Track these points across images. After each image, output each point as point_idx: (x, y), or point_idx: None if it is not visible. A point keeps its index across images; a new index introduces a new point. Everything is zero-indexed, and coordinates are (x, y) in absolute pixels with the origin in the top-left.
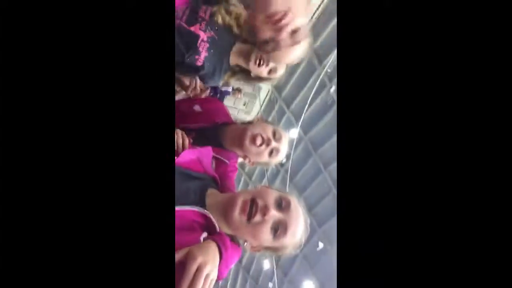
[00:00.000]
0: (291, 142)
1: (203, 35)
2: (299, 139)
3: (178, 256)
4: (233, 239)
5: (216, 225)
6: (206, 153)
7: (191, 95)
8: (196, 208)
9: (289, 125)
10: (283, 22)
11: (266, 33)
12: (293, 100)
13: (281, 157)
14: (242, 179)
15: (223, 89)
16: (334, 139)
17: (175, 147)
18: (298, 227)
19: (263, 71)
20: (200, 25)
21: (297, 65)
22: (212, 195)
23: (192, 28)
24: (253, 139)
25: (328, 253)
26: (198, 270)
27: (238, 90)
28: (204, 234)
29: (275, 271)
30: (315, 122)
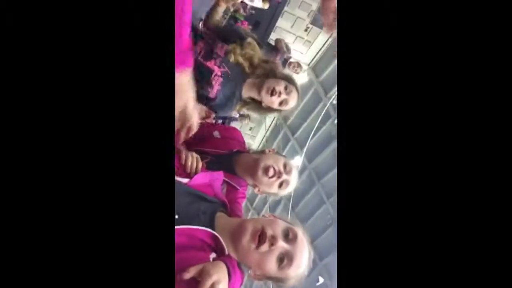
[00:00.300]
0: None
1: (217, 70)
2: (303, 168)
3: (192, 272)
4: (238, 264)
5: (225, 247)
6: (217, 178)
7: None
8: (207, 229)
9: (293, 153)
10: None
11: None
12: (298, 128)
13: (290, 189)
14: (243, 203)
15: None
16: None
17: (189, 169)
18: (303, 260)
19: (275, 101)
20: (215, 61)
21: (304, 95)
22: (221, 218)
23: (208, 63)
24: (266, 171)
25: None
26: (211, 287)
27: (246, 116)
28: (213, 255)
29: None
30: (319, 152)
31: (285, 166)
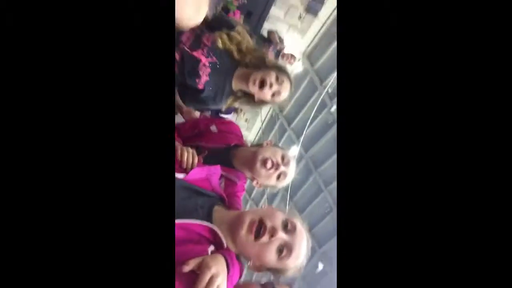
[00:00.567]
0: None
1: (204, 60)
2: (300, 157)
3: (191, 264)
4: (237, 257)
5: (224, 241)
6: (214, 172)
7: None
8: (204, 223)
9: (290, 143)
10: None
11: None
12: (294, 118)
13: (288, 181)
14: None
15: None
16: (334, 157)
17: (185, 165)
18: (302, 250)
19: (267, 94)
20: (202, 50)
21: (299, 84)
22: (219, 212)
23: (194, 53)
24: (264, 163)
25: (328, 274)
26: (211, 280)
27: (240, 110)
28: (212, 248)
29: None
30: (316, 141)
31: (283, 158)
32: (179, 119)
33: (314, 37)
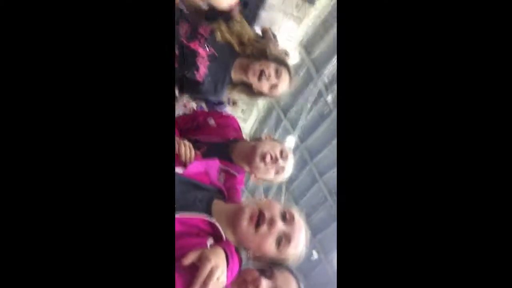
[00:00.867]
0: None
1: (202, 52)
2: (295, 148)
3: (191, 257)
4: (236, 249)
5: (223, 233)
6: (213, 166)
7: (183, 160)
8: (203, 216)
9: (286, 133)
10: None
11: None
12: (290, 108)
13: (286, 175)
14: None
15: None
16: (330, 148)
17: (183, 158)
18: (301, 240)
19: (264, 86)
20: (200, 41)
21: (295, 74)
22: (218, 205)
23: (191, 44)
24: (263, 157)
25: (322, 262)
26: (211, 272)
27: (235, 103)
28: (211, 241)
29: None
30: (312, 131)
31: (281, 152)
32: (177, 111)
33: (311, 25)
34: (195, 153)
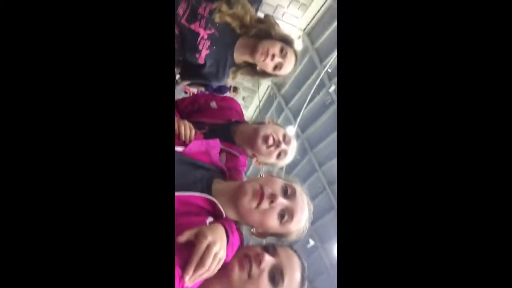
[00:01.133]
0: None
1: (203, 33)
2: (296, 137)
3: (188, 235)
4: (237, 226)
5: (223, 211)
6: (214, 145)
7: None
8: (203, 195)
9: (287, 122)
10: None
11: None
12: (292, 98)
13: (288, 160)
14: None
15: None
16: (330, 138)
17: (183, 137)
18: (303, 214)
19: (269, 65)
20: (200, 22)
21: (298, 62)
22: (219, 184)
23: (192, 26)
24: (265, 139)
25: (318, 250)
26: (208, 248)
27: (236, 89)
28: (210, 219)
29: None
30: (313, 121)
31: (284, 136)
32: (178, 95)
33: (316, 13)
34: (196, 132)
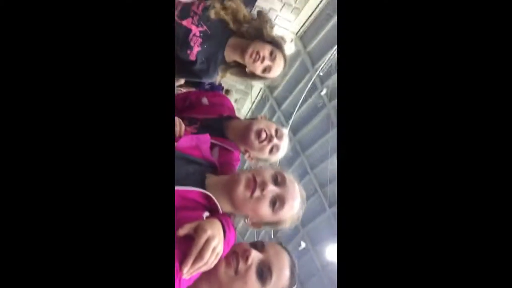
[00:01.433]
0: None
1: (195, 29)
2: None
3: (186, 229)
4: (232, 223)
5: (219, 205)
6: (204, 140)
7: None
8: (198, 189)
9: (279, 125)
10: None
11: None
12: (284, 100)
13: (280, 155)
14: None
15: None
16: (322, 141)
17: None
18: (295, 201)
19: (258, 67)
20: (192, 19)
21: (290, 65)
22: (211, 178)
23: (184, 22)
24: (258, 134)
25: (309, 252)
26: (207, 242)
27: (227, 92)
28: (206, 213)
29: None
30: (305, 124)
31: (276, 131)
32: None
33: (308, 17)
34: (185, 128)
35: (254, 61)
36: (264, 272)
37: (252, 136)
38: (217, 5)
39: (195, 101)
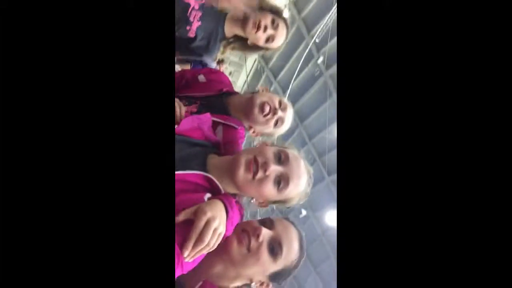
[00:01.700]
0: None
1: (193, 3)
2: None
3: (187, 213)
4: (237, 201)
5: (220, 187)
6: (205, 120)
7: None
8: (199, 172)
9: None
10: None
11: None
12: (280, 71)
13: (285, 128)
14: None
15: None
16: (320, 111)
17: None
18: (301, 179)
19: (261, 38)
20: None
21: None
22: (214, 159)
23: None
24: (261, 107)
25: (310, 219)
26: (207, 224)
27: (221, 62)
28: (208, 195)
29: None
30: (302, 94)
31: (280, 103)
32: None
33: None
34: (186, 110)
35: (257, 31)
36: (275, 247)
37: (256, 110)
38: None
39: (191, 79)
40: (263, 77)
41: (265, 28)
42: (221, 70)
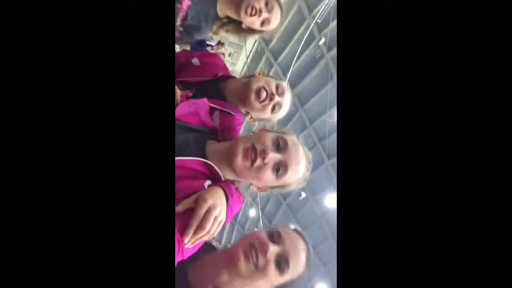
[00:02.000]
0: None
1: None
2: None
3: (188, 202)
4: (236, 187)
5: (220, 173)
6: (202, 105)
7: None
8: (199, 158)
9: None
10: None
11: None
12: (281, 52)
13: (283, 113)
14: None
15: (206, 42)
16: (321, 94)
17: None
18: (299, 165)
19: (256, 21)
20: None
21: (286, 14)
22: (212, 145)
23: None
24: (258, 93)
25: (309, 201)
26: (208, 211)
27: (220, 44)
28: (208, 182)
29: (260, 218)
30: (303, 76)
31: (277, 87)
32: None
33: None
34: (181, 94)
35: (251, 15)
36: (282, 263)
37: (252, 96)
38: None
39: (184, 62)
40: (263, 59)
41: (260, 12)
42: (222, 52)
